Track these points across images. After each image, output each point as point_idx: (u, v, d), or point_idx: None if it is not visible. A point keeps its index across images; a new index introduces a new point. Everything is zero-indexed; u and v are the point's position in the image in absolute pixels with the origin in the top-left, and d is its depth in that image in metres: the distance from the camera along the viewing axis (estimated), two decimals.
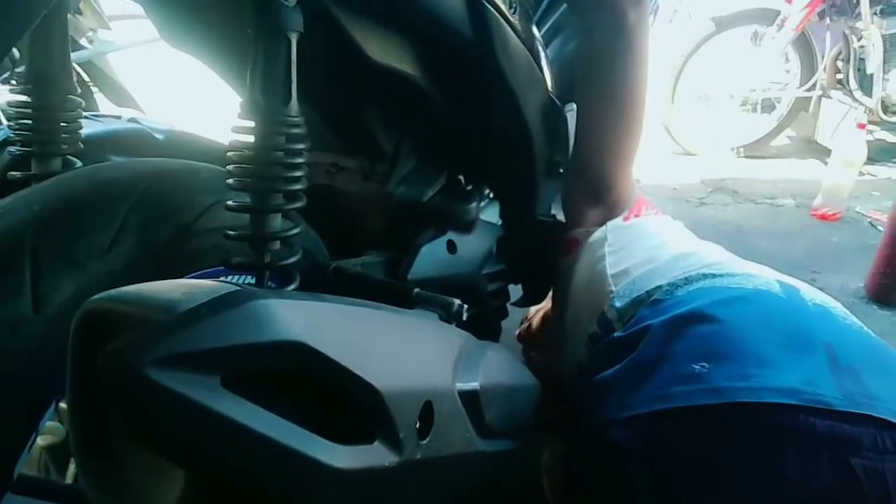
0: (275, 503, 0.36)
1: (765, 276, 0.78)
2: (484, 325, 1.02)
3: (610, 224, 1.01)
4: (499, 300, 1.08)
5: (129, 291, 0.38)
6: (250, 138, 0.59)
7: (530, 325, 1.30)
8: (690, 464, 0.67)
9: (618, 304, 0.82)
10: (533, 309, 1.33)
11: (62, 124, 0.73)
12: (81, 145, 0.75)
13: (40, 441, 0.70)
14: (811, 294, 0.77)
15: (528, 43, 0.90)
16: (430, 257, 0.89)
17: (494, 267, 1.04)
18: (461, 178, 1.04)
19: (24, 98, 0.71)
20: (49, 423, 0.66)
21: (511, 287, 1.16)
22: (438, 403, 0.47)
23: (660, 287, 0.79)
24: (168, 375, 0.32)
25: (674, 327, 0.72)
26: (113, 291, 0.38)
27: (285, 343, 0.37)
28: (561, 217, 1.18)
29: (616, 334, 0.79)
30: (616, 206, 1.04)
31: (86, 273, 0.54)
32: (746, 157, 3.53)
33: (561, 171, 1.14)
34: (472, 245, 0.97)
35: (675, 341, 0.71)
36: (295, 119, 0.59)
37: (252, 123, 0.59)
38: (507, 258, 1.10)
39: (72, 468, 0.67)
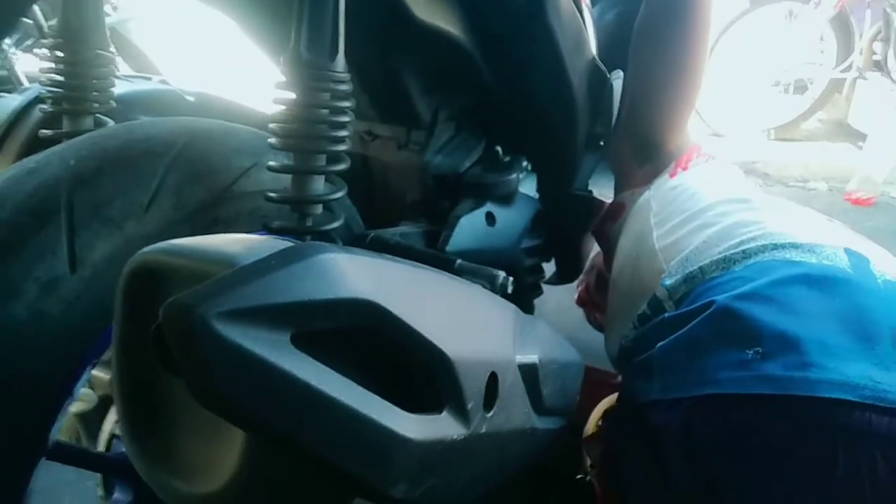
0: (341, 473, 0.34)
1: (831, 246, 0.71)
2: (521, 302, 0.98)
3: (655, 185, 0.93)
4: (535, 276, 1.05)
5: (183, 244, 0.35)
6: (293, 95, 0.56)
7: (587, 286, 1.24)
8: (732, 455, 0.63)
9: (668, 281, 0.76)
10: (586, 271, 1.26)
11: (94, 81, 0.70)
12: (113, 104, 0.72)
13: (72, 408, 0.68)
14: (883, 267, 0.70)
15: (578, 4, 0.85)
16: (469, 229, 0.85)
17: (532, 241, 1.01)
18: (499, 148, 1.01)
19: (56, 53, 0.69)
20: (81, 391, 0.64)
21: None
22: (502, 375, 0.44)
23: (714, 262, 0.73)
24: (237, 331, 0.29)
25: (731, 306, 0.66)
26: (165, 244, 0.36)
27: (358, 301, 0.34)
28: (597, 193, 1.15)
29: (666, 314, 0.73)
30: (666, 162, 0.97)
31: (122, 233, 0.51)
32: (777, 139, 3.45)
33: (601, 143, 1.10)
34: (511, 218, 0.94)
35: (728, 322, 0.66)
36: (341, 75, 0.56)
37: (295, 79, 0.55)
38: (543, 233, 1.06)
39: (104, 436, 0.65)
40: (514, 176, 0.95)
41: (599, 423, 0.94)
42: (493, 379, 0.43)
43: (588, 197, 1.11)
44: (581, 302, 1.24)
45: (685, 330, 0.68)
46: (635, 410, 0.71)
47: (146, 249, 0.36)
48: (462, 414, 0.40)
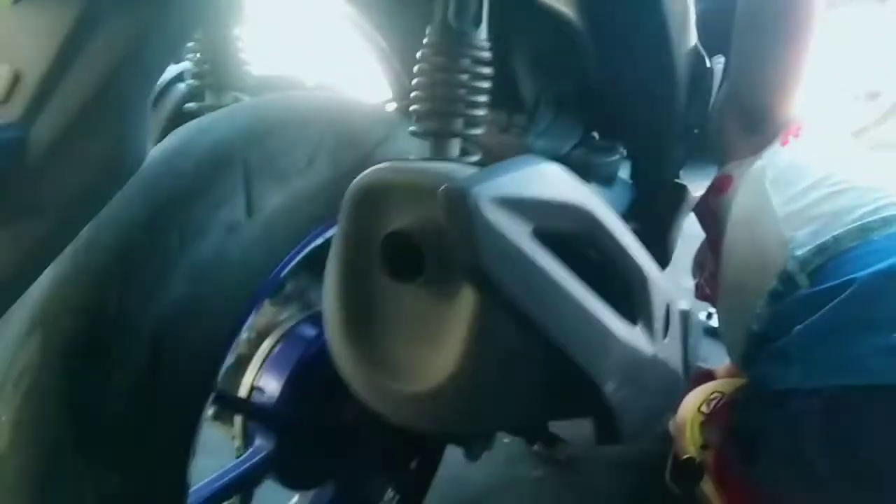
0: (567, 360, 0.36)
1: None
2: None
3: (767, 153, 0.89)
4: None
5: (401, 164, 0.39)
6: (437, 61, 0.59)
7: (707, 278, 1.21)
8: (877, 446, 0.60)
9: (799, 252, 0.71)
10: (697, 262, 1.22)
11: (234, 57, 0.75)
12: (250, 82, 0.77)
13: None
14: None
15: None
16: None
17: (630, 225, 1.02)
18: (595, 134, 1.02)
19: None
20: None
21: None
22: (673, 309, 0.46)
23: (850, 231, 0.68)
24: (497, 215, 0.32)
25: (873, 285, 0.62)
26: (384, 165, 0.39)
27: (585, 210, 0.36)
28: (687, 182, 1.15)
29: (802, 291, 0.69)
30: (775, 133, 0.94)
31: (289, 186, 0.55)
32: None
33: (696, 131, 1.11)
34: (612, 200, 0.95)
35: (876, 303, 0.62)
36: (484, 43, 0.59)
37: (442, 46, 0.58)
38: (635, 220, 1.07)
39: (244, 389, 0.69)
40: (613, 158, 0.97)
41: (701, 407, 0.93)
42: (668, 309, 0.45)
43: (680, 185, 1.12)
44: (703, 296, 1.19)
45: (824, 311, 0.65)
46: (772, 397, 0.68)
47: (370, 170, 0.40)
48: (651, 332, 0.42)
